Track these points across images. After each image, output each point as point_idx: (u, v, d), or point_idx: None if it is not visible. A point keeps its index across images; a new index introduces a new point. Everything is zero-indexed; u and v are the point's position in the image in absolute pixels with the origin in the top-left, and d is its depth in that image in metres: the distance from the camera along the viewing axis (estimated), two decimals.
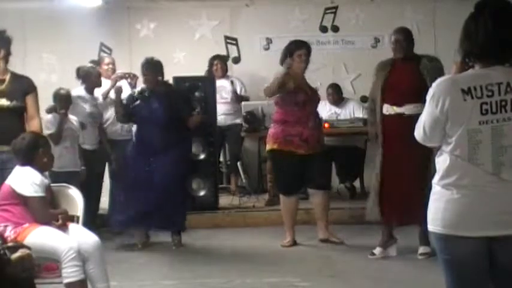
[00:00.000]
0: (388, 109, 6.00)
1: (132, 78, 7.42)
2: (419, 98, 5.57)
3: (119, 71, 7.71)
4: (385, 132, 6.04)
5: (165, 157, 6.58)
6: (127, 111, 6.77)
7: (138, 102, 6.75)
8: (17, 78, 5.35)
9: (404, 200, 5.92)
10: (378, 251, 6.18)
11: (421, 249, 6.07)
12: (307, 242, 6.88)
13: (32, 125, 5.30)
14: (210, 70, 8.77)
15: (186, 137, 6.95)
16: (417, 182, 5.68)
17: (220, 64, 8.78)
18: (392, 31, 6.23)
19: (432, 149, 5.97)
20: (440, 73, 5.77)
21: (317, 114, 6.73)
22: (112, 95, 7.17)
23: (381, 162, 6.09)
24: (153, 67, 6.78)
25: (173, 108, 6.68)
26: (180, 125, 6.73)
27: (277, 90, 6.56)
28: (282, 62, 6.65)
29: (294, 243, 6.74)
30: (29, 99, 5.33)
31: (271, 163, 7.08)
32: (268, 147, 6.79)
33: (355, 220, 7.34)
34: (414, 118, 5.93)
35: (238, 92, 8.80)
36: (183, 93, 7.29)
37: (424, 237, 5.89)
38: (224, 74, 8.81)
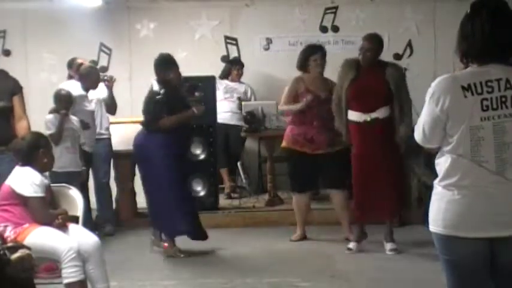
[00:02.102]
0: (358, 116, 6.21)
1: (109, 80, 7.43)
2: (386, 103, 6.15)
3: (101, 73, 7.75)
4: (354, 136, 6.29)
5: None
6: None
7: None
8: (2, 78, 5.33)
9: (372, 199, 6.25)
10: (352, 245, 6.45)
11: (389, 246, 6.37)
12: (307, 242, 6.89)
13: (22, 126, 5.30)
14: (226, 73, 8.87)
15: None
16: (385, 182, 6.15)
17: (241, 70, 8.92)
18: (363, 36, 6.38)
19: (402, 150, 6.26)
20: (403, 79, 6.30)
21: (327, 116, 6.64)
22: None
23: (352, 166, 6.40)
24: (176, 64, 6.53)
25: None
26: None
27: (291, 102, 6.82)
28: (298, 66, 6.90)
29: (304, 237, 6.95)
30: (16, 100, 5.32)
31: (286, 161, 7.24)
32: (282, 145, 7.08)
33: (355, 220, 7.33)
34: (383, 122, 6.14)
35: (249, 96, 8.90)
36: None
37: (390, 233, 6.40)
38: (240, 79, 8.95)
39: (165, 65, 6.46)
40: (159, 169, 6.29)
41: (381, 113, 6.17)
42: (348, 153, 6.46)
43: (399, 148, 6.20)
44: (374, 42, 6.26)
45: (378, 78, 6.19)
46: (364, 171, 6.26)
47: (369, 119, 6.17)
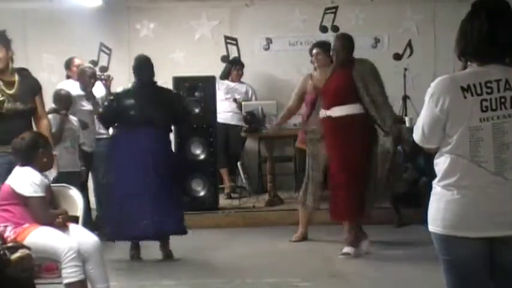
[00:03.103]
0: (323, 113, 6.27)
1: (106, 79, 7.43)
2: (347, 100, 6.12)
3: (98, 72, 7.75)
4: (324, 133, 6.33)
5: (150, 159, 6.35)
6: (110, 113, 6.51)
7: (120, 102, 6.44)
8: (24, 79, 5.29)
9: (333, 199, 6.27)
10: (348, 249, 6.29)
11: (343, 249, 6.26)
12: (307, 242, 6.89)
13: (43, 125, 5.27)
14: (227, 73, 8.87)
15: (167, 137, 6.65)
16: (344, 183, 6.12)
17: (241, 70, 8.91)
18: (335, 37, 6.51)
19: (372, 149, 6.23)
20: (372, 74, 6.25)
21: None
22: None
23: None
24: (150, 67, 6.54)
25: (157, 108, 6.42)
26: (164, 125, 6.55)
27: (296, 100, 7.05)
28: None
29: (305, 238, 6.88)
30: (38, 100, 5.30)
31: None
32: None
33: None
34: (342, 119, 6.11)
35: (250, 96, 8.90)
36: (171, 93, 6.99)
37: (350, 237, 6.26)
38: (240, 79, 8.95)
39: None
40: None
41: (344, 111, 6.13)
42: None
43: (365, 147, 6.16)
44: (343, 40, 6.29)
45: (346, 75, 6.20)
46: (330, 169, 6.28)
47: (325, 115, 6.19)
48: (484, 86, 2.68)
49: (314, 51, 6.93)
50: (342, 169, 6.15)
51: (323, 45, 6.96)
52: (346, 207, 6.22)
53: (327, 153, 6.30)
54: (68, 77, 7.56)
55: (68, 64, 7.66)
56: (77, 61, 7.60)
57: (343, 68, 6.24)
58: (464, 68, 2.84)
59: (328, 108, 6.20)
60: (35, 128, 5.26)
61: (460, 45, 2.78)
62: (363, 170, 6.17)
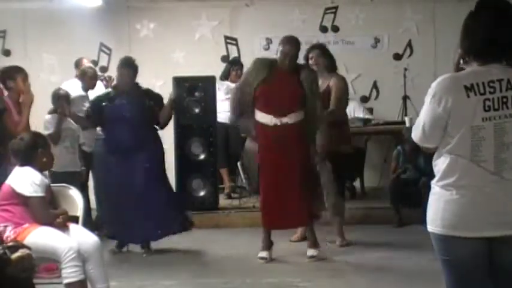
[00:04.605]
0: (269, 119, 6.02)
1: (107, 80, 7.43)
2: (300, 107, 5.98)
3: (99, 73, 7.75)
4: (262, 138, 6.15)
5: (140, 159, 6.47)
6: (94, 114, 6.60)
7: (105, 103, 6.54)
8: None
9: (282, 206, 6.07)
10: (264, 254, 6.18)
11: (309, 252, 6.18)
12: (307, 242, 6.88)
13: None
14: (226, 74, 8.86)
15: (157, 135, 6.74)
16: (292, 190, 5.98)
17: (240, 70, 8.90)
18: (281, 39, 6.17)
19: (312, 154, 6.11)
20: (317, 83, 6.17)
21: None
22: None
23: (259, 169, 6.27)
24: (130, 67, 6.60)
25: (143, 106, 6.54)
26: (151, 123, 6.63)
27: None
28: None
29: (305, 238, 6.67)
30: None
31: None
32: None
33: (355, 220, 7.34)
34: (294, 126, 5.96)
35: None
36: (152, 91, 6.92)
37: (311, 239, 6.21)
38: (239, 79, 8.94)
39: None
40: None
41: (293, 118, 6.00)
42: (340, 156, 6.40)
43: (310, 154, 6.10)
44: (296, 45, 6.10)
45: (293, 81, 6.04)
46: (273, 176, 6.10)
47: (279, 123, 5.98)
48: (487, 86, 2.68)
49: (313, 53, 6.69)
50: (296, 175, 6.01)
51: (322, 48, 6.84)
52: (301, 214, 6.16)
53: (271, 158, 6.11)
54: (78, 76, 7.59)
55: (77, 64, 7.71)
56: (85, 62, 7.65)
57: (287, 73, 6.06)
58: (459, 68, 2.83)
59: (276, 115, 5.97)
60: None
61: (464, 44, 2.78)
62: (313, 175, 6.17)
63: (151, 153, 6.56)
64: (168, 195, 6.71)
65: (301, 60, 6.49)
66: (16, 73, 6.27)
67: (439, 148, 2.79)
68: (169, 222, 6.51)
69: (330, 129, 6.21)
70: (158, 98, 6.75)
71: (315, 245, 6.21)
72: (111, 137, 6.57)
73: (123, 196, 6.42)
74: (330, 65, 6.70)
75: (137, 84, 6.66)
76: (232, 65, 9.01)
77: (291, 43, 6.08)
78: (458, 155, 2.71)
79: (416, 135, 2.84)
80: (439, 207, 2.77)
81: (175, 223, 6.55)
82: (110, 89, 6.76)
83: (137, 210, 6.41)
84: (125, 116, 6.43)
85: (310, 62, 6.64)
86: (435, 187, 2.81)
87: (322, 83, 6.54)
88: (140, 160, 6.44)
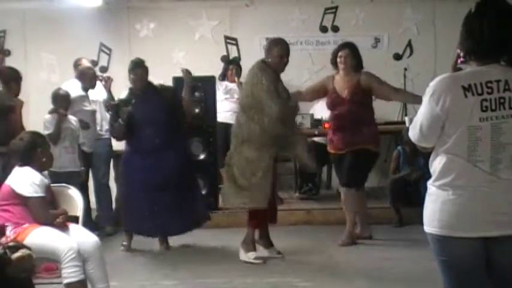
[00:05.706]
0: None
1: (106, 81, 7.42)
2: None
3: (98, 73, 7.75)
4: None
5: (165, 158, 6.52)
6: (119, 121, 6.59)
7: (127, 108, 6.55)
8: None
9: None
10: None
11: (273, 252, 6.32)
12: (307, 242, 6.89)
13: None
14: (224, 73, 8.85)
15: (181, 135, 6.84)
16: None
17: (236, 70, 8.92)
18: (276, 41, 6.39)
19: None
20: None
21: (350, 115, 6.59)
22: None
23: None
24: (143, 67, 6.60)
25: (166, 106, 6.58)
26: (175, 123, 6.66)
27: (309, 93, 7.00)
28: (331, 62, 6.84)
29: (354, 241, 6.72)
30: None
31: None
32: None
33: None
34: None
35: None
36: (171, 90, 7.05)
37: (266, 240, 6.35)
38: (235, 78, 8.94)
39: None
40: None
41: None
42: (367, 153, 6.49)
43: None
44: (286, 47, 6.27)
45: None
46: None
47: None
48: (484, 86, 2.68)
49: (343, 52, 6.68)
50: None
51: (352, 48, 6.77)
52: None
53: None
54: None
55: (76, 64, 7.69)
56: (84, 62, 7.64)
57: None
58: (456, 69, 2.84)
59: None
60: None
61: (466, 44, 2.78)
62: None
63: (178, 149, 6.65)
64: (194, 193, 6.78)
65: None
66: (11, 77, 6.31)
67: (435, 148, 2.80)
68: (190, 219, 6.60)
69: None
70: (171, 90, 6.90)
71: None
72: (137, 139, 6.53)
73: (149, 191, 6.43)
74: (356, 65, 6.70)
75: (150, 82, 6.69)
76: (228, 65, 8.99)
77: (287, 50, 6.28)
78: (455, 155, 2.72)
79: (413, 134, 2.85)
80: (435, 208, 2.77)
81: (195, 220, 6.67)
82: (125, 95, 6.69)
83: (161, 204, 6.45)
84: (150, 116, 6.46)
85: (338, 60, 6.66)
86: (431, 187, 2.81)
87: (348, 81, 6.62)
88: (167, 158, 6.49)
